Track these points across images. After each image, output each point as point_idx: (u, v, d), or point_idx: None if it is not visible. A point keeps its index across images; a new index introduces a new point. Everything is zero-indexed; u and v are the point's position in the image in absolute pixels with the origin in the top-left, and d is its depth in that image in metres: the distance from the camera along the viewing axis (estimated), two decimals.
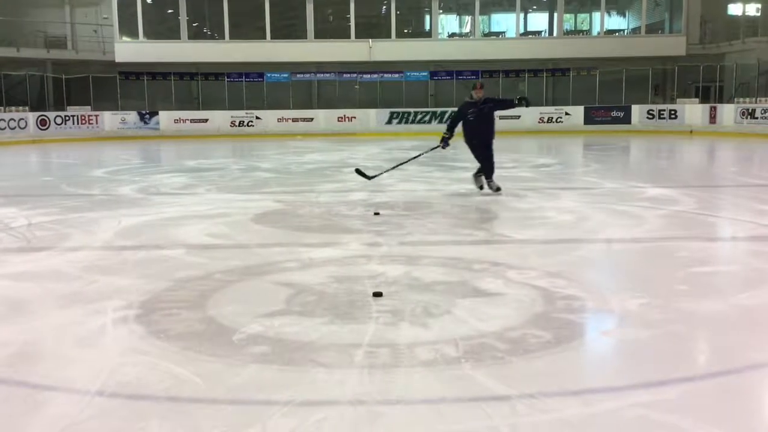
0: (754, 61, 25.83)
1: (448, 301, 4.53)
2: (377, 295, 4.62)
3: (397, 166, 10.93)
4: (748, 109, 23.99)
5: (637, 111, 27.37)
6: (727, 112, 24.87)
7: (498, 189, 9.56)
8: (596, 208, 8.57)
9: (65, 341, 3.93)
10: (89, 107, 27.59)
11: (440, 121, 28.06)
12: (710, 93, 28.31)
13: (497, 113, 9.93)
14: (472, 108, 9.66)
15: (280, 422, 2.88)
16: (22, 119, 24.97)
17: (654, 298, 4.56)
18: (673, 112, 26.86)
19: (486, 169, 9.70)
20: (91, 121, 26.87)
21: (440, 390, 3.19)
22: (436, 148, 9.96)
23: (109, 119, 27.35)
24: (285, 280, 5.12)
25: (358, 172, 10.31)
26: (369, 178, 10.11)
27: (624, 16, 32.28)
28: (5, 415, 3.03)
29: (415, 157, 11.03)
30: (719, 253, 6.54)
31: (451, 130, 9.75)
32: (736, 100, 26.02)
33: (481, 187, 9.76)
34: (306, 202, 9.44)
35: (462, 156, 18.05)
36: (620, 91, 28.65)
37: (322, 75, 30.26)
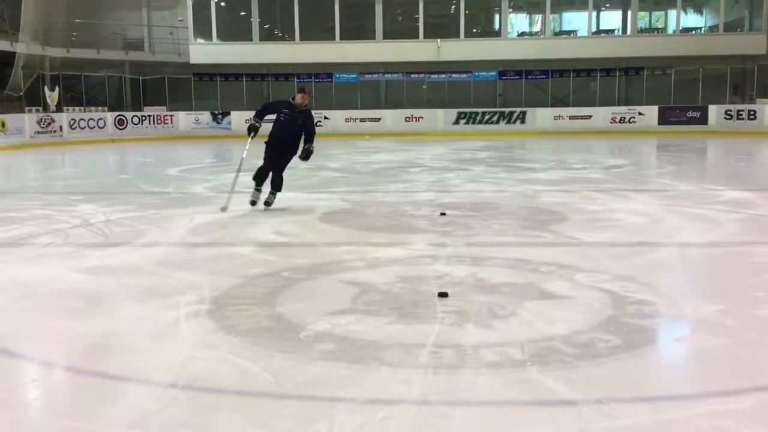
0: None
1: (514, 303, 4.49)
2: (443, 295, 4.62)
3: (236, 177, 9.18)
4: None
5: (715, 111, 26.48)
6: None
7: (269, 204, 8.50)
8: (670, 210, 8.34)
9: (140, 334, 4.06)
10: (164, 107, 28.39)
11: (508, 122, 27.81)
12: None
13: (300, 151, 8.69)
14: (287, 110, 8.67)
15: (346, 419, 2.91)
16: (101, 119, 25.87)
17: (729, 305, 4.42)
18: (752, 112, 25.88)
19: (276, 180, 8.60)
20: (166, 121, 27.64)
21: (505, 393, 3.16)
22: (251, 136, 8.80)
23: (184, 119, 28.07)
24: (351, 279, 5.17)
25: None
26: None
27: (701, 13, 31.26)
28: (83, 404, 3.16)
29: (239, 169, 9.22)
30: None
31: (260, 117, 8.83)
32: None
33: (254, 203, 8.50)
34: (373, 201, 9.50)
35: (528, 156, 17.85)
36: (696, 90, 27.78)
37: (389, 75, 30.34)
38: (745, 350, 3.69)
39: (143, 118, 27.15)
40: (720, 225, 7.33)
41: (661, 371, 3.61)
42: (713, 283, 5.10)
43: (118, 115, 26.50)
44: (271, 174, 8.66)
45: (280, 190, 8.72)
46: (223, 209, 8.35)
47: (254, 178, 8.70)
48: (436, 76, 29.87)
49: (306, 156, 8.77)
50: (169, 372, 3.41)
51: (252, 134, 8.80)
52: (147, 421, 2.93)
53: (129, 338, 4.03)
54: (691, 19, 31.17)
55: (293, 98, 8.83)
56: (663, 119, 26.92)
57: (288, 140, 8.68)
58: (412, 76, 30.01)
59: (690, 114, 26.77)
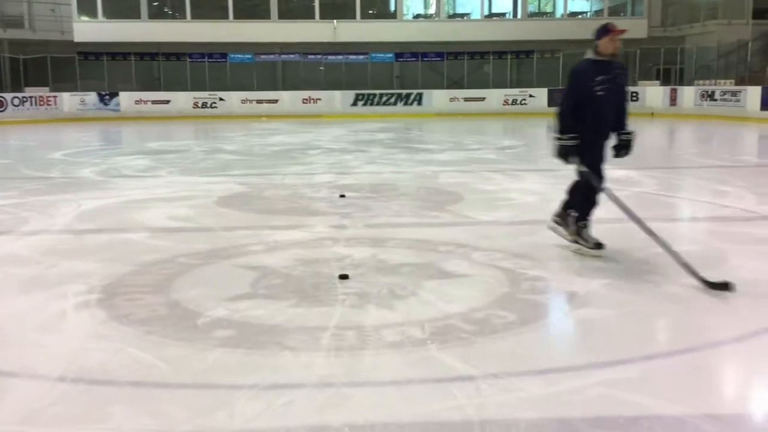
0: (714, 43, 26.22)
1: (414, 283, 4.54)
2: (343, 277, 4.62)
3: None
4: (707, 92, 24.36)
5: None
6: (687, 94, 25.23)
7: None
8: (560, 189, 8.61)
9: (26, 327, 3.86)
10: (47, 88, 26.96)
11: (405, 103, 28.05)
12: (671, 75, 28.67)
13: None
14: (602, 75, 5.27)
15: (247, 406, 2.86)
16: None
17: (616, 279, 4.64)
18: (634, 94, 27.12)
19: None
20: (49, 103, 26.30)
21: (407, 372, 3.20)
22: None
23: (68, 100, 26.79)
24: (250, 263, 5.09)
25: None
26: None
27: None
28: None
29: None
30: (680, 233, 6.65)
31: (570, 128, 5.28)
32: (696, 82, 26.41)
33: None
34: (271, 184, 9.38)
35: (426, 138, 18.07)
36: None
37: (286, 56, 29.97)
38: (631, 321, 3.88)
39: (24, 99, 25.73)
40: (606, 202, 7.65)
41: (554, 344, 3.76)
42: (601, 258, 5.33)
43: None
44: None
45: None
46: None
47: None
48: (333, 57, 29.74)
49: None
50: (59, 365, 3.26)
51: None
52: (37, 417, 2.80)
53: (15, 331, 3.82)
54: (578, 4, 32.33)
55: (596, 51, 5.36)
56: (553, 101, 27.79)
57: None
58: (309, 57, 29.77)
59: None
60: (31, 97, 25.93)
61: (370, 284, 4.51)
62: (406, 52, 29.86)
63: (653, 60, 29.05)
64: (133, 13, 28.95)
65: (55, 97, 26.53)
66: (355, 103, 28.28)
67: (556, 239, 6.12)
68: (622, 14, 31.04)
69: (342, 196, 8.06)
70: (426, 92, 28.14)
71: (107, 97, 27.25)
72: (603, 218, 6.83)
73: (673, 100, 25.68)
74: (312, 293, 4.35)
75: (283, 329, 3.72)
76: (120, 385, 3.08)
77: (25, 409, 2.86)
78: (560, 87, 28.25)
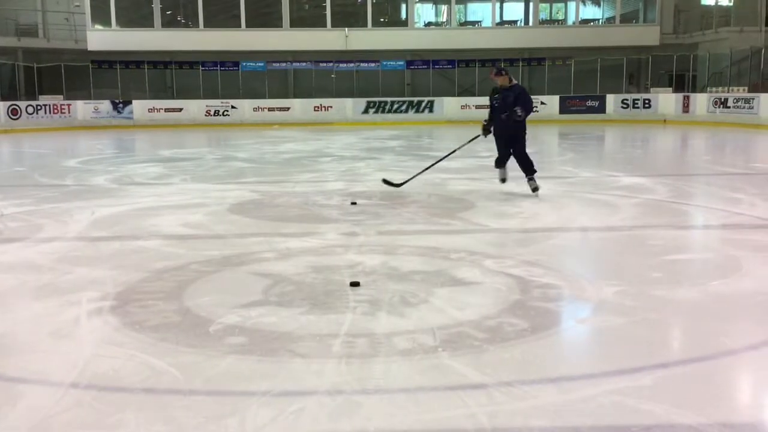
0: (727, 50, 26.11)
1: (426, 290, 4.54)
2: (355, 284, 4.62)
3: (431, 166, 9.72)
4: (720, 99, 24.25)
5: (612, 100, 27.55)
6: (700, 101, 25.12)
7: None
8: (572, 197, 8.63)
9: (40, 333, 3.88)
10: (61, 96, 27.17)
11: (417, 111, 28.09)
12: (684, 82, 28.57)
13: None
14: (496, 95, 8.81)
15: (258, 413, 2.87)
16: None
17: (629, 286, 4.61)
18: (647, 101, 27.09)
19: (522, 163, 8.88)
20: (63, 111, 26.49)
21: (418, 379, 3.19)
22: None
23: (82, 108, 26.98)
24: (262, 270, 5.10)
25: (386, 181, 9.13)
26: (397, 185, 8.98)
27: (599, 5, 32.43)
28: None
29: (450, 153, 9.76)
30: (693, 240, 6.62)
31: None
32: (708, 89, 26.30)
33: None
34: (283, 192, 9.40)
35: (437, 145, 18.05)
36: (595, 80, 28.83)
37: (298, 64, 30.08)
38: (644, 329, 3.85)
39: (38, 107, 25.92)
40: (618, 210, 7.64)
41: (566, 352, 3.74)
42: (613, 266, 5.31)
43: (11, 105, 25.19)
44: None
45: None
46: (399, 185, 8.99)
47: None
48: (345, 65, 29.81)
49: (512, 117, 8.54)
50: (72, 372, 3.27)
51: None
52: (49, 423, 2.81)
53: (28, 338, 3.85)
54: (590, 11, 32.32)
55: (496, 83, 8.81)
56: (564, 108, 27.81)
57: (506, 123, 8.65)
58: (321, 65, 29.85)
59: (589, 103, 27.76)
60: (45, 105, 26.14)
61: (382, 291, 4.51)
62: (417, 60, 29.89)
63: (665, 67, 28.96)
64: (146, 22, 29.16)
65: (69, 105, 26.72)
66: (366, 111, 28.32)
67: (569, 246, 6.12)
68: (634, 21, 30.99)
69: (353, 203, 8.07)
70: (437, 100, 28.14)
71: (121, 105, 27.43)
72: (616, 226, 6.82)
73: (686, 107, 25.57)
74: (323, 300, 4.36)
75: (294, 336, 3.72)
76: (132, 392, 3.10)
77: (37, 415, 2.88)
78: (572, 94, 28.28)
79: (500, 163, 9.02)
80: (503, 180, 9.07)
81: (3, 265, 5.41)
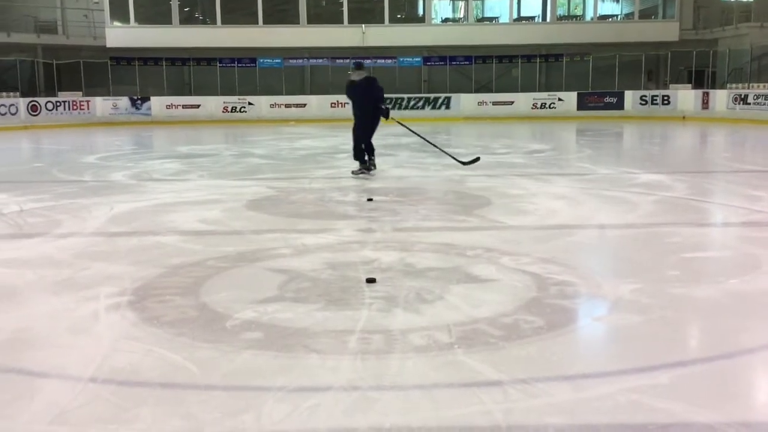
0: (747, 46, 25.84)
1: (442, 287, 4.54)
2: (371, 281, 4.63)
3: (438, 148, 11.19)
4: (740, 95, 24.00)
5: (630, 97, 27.34)
6: (720, 97, 24.87)
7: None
8: (589, 194, 8.58)
9: (58, 328, 3.92)
10: (80, 93, 27.38)
11: (434, 107, 28.03)
12: (703, 78, 28.31)
13: None
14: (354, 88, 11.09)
15: (274, 408, 2.88)
16: (13, 105, 24.75)
17: (646, 284, 4.58)
18: (666, 97, 26.86)
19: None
20: (82, 107, 26.70)
21: (433, 376, 3.19)
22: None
23: (101, 105, 27.18)
24: (278, 266, 5.12)
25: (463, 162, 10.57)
26: (465, 163, 10.44)
27: (617, 1, 32.19)
28: None
29: (450, 154, 11.13)
30: (711, 238, 6.56)
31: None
32: (728, 85, 26.04)
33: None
34: (299, 188, 9.43)
35: (453, 142, 18.03)
36: (613, 76, 28.64)
37: (314, 60, 30.11)
38: (661, 327, 3.83)
39: (58, 104, 26.13)
40: (636, 207, 7.59)
41: (582, 350, 3.72)
42: (631, 263, 5.28)
43: (30, 101, 25.40)
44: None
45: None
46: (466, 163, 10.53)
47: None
48: (362, 61, 29.75)
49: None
50: (90, 366, 3.30)
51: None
52: (67, 418, 2.84)
53: (47, 332, 3.89)
54: (608, 7, 32.07)
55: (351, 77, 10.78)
56: (582, 105, 27.63)
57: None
58: (338, 61, 29.84)
59: (607, 99, 27.56)
60: (64, 101, 26.35)
61: (397, 288, 4.51)
62: (434, 56, 29.82)
63: (685, 63, 28.71)
64: (164, 19, 29.31)
65: (87, 101, 26.93)
66: None
67: (586, 243, 6.09)
68: (653, 17, 30.74)
69: (369, 199, 8.08)
70: (454, 96, 28.06)
71: (139, 101, 27.60)
72: (634, 223, 6.78)
73: (705, 104, 25.33)
74: (339, 296, 4.36)
75: (310, 332, 3.73)
76: (150, 387, 3.12)
77: (55, 409, 2.91)
78: (590, 90, 28.11)
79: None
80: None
81: (21, 260, 5.46)
